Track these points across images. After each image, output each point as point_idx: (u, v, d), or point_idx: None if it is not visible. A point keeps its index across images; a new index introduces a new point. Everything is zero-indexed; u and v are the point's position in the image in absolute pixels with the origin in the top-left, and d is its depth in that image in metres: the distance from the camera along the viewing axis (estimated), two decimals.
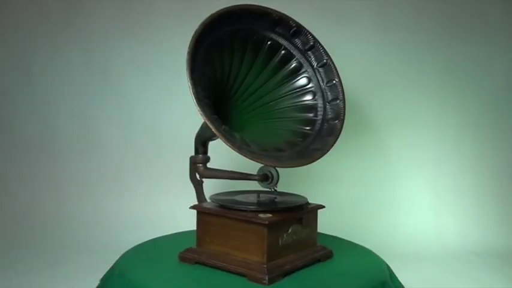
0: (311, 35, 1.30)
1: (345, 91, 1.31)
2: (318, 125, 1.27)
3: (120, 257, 1.34)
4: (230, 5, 1.22)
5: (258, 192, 1.37)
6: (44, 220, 1.93)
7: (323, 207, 1.31)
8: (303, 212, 1.26)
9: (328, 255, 1.31)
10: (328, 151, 1.21)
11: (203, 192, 1.38)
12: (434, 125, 2.02)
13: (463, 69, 2.01)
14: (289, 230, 1.23)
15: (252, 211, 1.21)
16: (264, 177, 1.34)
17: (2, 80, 2.00)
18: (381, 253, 1.40)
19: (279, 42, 1.30)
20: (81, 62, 1.97)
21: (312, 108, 1.30)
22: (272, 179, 1.33)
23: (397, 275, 1.33)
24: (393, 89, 1.99)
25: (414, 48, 1.98)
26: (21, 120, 1.99)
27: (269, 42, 1.30)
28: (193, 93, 1.09)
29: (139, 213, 1.95)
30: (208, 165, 1.38)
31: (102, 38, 1.95)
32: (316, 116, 1.28)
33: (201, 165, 1.36)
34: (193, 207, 1.29)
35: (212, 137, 1.34)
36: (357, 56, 1.97)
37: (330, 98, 1.29)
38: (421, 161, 2.01)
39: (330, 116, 1.26)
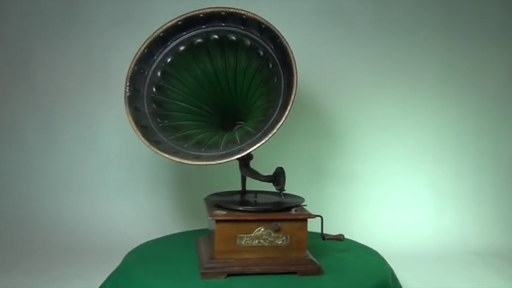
0: (278, 32, 1.20)
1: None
2: (265, 126, 1.17)
3: (124, 258, 1.33)
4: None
5: (256, 192, 1.37)
6: (42, 220, 1.90)
7: (312, 217, 1.22)
8: (273, 216, 1.19)
9: (311, 271, 1.20)
10: (244, 153, 1.13)
11: (244, 185, 1.39)
12: (434, 124, 1.96)
13: (463, 68, 1.96)
14: (253, 233, 1.19)
15: (216, 207, 1.22)
16: (269, 179, 1.32)
17: (1, 79, 1.97)
18: (380, 253, 1.39)
19: (252, 42, 1.24)
20: (81, 60, 1.93)
21: (269, 108, 1.21)
22: (278, 181, 1.31)
23: (396, 275, 1.31)
24: (392, 88, 1.94)
25: (413, 47, 1.93)
26: (21, 119, 1.96)
27: (246, 43, 1.25)
28: (125, 92, 1.18)
29: (140, 214, 1.92)
30: None
31: (103, 36, 1.91)
32: (270, 117, 1.19)
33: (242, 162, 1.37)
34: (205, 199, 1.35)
35: None
36: (356, 54, 1.92)
37: (284, 99, 1.19)
38: (421, 160, 1.96)
39: (275, 118, 1.16)
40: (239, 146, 1.12)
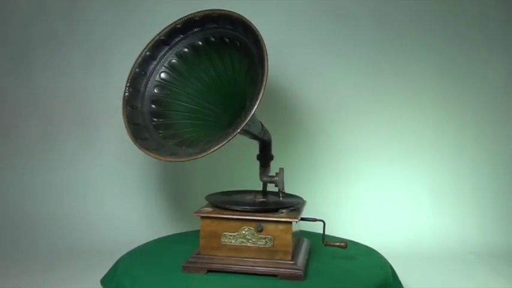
0: (257, 31, 1.18)
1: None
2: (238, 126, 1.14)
3: (121, 258, 1.36)
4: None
5: (255, 191, 1.39)
6: (42, 220, 1.90)
7: (295, 220, 1.19)
8: (256, 216, 1.19)
9: (291, 276, 1.16)
10: (204, 153, 1.12)
11: (265, 188, 1.41)
12: (433, 125, 1.95)
13: (462, 69, 1.93)
14: (237, 232, 1.20)
15: (212, 205, 1.27)
16: (270, 180, 1.34)
17: (1, 79, 1.96)
18: (379, 252, 1.43)
19: (241, 42, 1.24)
20: (81, 60, 1.93)
21: (248, 109, 1.17)
22: (276, 182, 1.32)
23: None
24: (391, 89, 1.93)
25: (412, 49, 1.91)
26: (21, 119, 1.96)
27: (236, 43, 1.26)
28: (125, 93, 1.27)
29: (140, 214, 1.91)
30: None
31: (103, 37, 1.90)
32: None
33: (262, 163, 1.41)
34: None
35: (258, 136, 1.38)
36: (355, 56, 1.91)
37: (255, 100, 1.14)
38: (421, 162, 1.95)
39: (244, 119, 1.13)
40: (207, 146, 1.14)
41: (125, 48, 1.82)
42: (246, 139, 1.43)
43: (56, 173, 1.94)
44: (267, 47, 1.15)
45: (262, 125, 1.42)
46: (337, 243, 1.29)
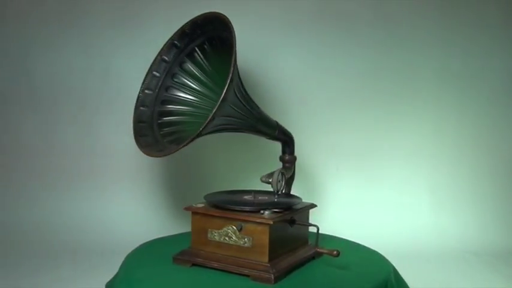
0: (233, 31, 1.19)
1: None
2: None
3: (125, 259, 1.36)
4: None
5: (254, 191, 1.38)
6: (43, 221, 1.90)
7: (271, 222, 1.16)
8: (237, 215, 1.20)
9: (262, 279, 1.14)
10: (174, 150, 1.18)
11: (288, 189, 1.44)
12: (432, 125, 1.98)
13: (461, 69, 1.96)
14: (222, 229, 1.22)
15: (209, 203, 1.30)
16: (267, 181, 1.34)
17: (1, 79, 1.97)
18: (379, 251, 1.42)
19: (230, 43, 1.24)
20: (81, 60, 1.92)
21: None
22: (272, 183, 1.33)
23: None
24: (391, 89, 1.95)
25: (411, 50, 1.94)
26: (20, 118, 1.97)
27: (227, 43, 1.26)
28: (139, 94, 1.35)
29: (141, 214, 1.91)
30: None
31: (103, 36, 1.90)
32: None
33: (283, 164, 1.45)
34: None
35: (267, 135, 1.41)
36: (355, 55, 1.93)
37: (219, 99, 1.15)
38: (420, 162, 1.98)
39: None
40: (186, 142, 1.18)
41: (125, 46, 1.88)
42: (264, 140, 1.44)
43: (55, 171, 1.96)
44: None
45: (277, 125, 1.42)
46: (328, 251, 1.22)
